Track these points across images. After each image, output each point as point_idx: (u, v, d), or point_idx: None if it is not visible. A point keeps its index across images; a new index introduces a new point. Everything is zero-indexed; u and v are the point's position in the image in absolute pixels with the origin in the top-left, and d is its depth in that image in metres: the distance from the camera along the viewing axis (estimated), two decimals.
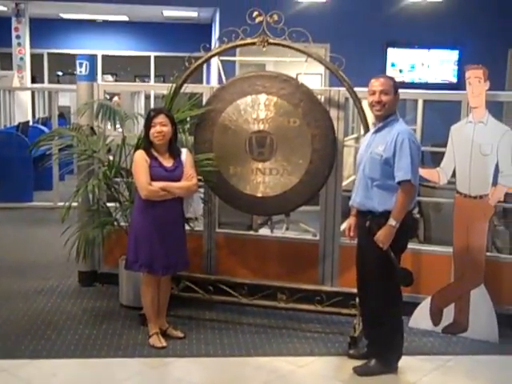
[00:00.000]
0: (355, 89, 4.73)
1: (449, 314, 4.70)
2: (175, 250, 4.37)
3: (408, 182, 3.76)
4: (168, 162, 4.32)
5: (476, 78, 4.57)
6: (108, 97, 6.29)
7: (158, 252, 4.29)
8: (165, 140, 4.27)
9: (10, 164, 9.17)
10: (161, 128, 4.24)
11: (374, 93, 3.91)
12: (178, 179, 4.31)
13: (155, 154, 4.30)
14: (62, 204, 4.86)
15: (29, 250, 6.85)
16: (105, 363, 4.16)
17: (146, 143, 4.33)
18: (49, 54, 15.15)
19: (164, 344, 4.34)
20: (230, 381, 3.98)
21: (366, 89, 4.04)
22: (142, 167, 4.25)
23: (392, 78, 4.04)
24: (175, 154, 4.37)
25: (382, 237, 3.79)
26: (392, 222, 3.76)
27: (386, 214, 3.81)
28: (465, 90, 4.67)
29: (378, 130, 3.98)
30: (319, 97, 4.98)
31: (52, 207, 8.83)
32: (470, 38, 10.09)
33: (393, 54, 10.60)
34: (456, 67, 10.48)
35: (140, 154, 4.30)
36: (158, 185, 4.22)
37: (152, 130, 4.25)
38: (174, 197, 4.29)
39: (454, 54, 10.52)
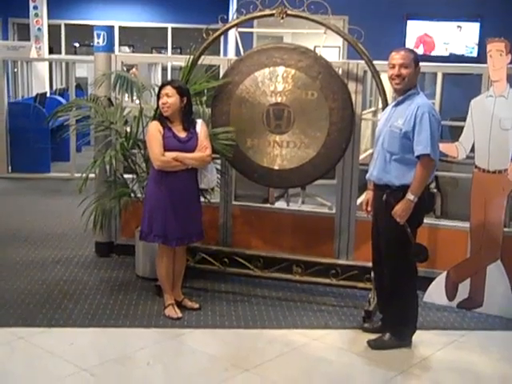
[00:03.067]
0: (374, 62, 4.67)
1: (464, 290, 4.69)
2: (189, 221, 4.38)
3: (427, 156, 3.72)
4: (182, 133, 4.31)
5: (498, 51, 4.50)
6: (125, 68, 6.26)
7: (172, 223, 4.30)
8: (170, 111, 4.26)
9: (28, 135, 9.22)
10: (166, 99, 4.24)
11: (393, 66, 3.85)
12: (192, 150, 4.30)
13: (169, 124, 4.30)
14: (78, 175, 4.88)
15: (46, 220, 6.91)
16: (121, 332, 4.21)
17: (159, 114, 4.34)
18: (66, 24, 15.07)
19: (179, 315, 4.38)
20: (244, 353, 4.00)
21: (385, 62, 3.99)
22: (155, 138, 4.25)
23: (413, 51, 3.98)
24: (190, 124, 4.36)
25: (400, 211, 3.76)
26: (410, 196, 3.74)
27: (403, 189, 3.79)
28: (485, 63, 4.60)
29: (397, 104, 3.93)
30: (337, 69, 4.93)
31: (69, 178, 8.90)
32: (491, 9, 9.91)
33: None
34: (477, 40, 10.33)
35: (154, 125, 4.31)
36: (170, 155, 4.22)
37: (159, 102, 4.27)
38: (188, 167, 4.29)
39: (475, 27, 10.35)
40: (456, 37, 10.49)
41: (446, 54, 10.53)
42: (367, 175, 4.11)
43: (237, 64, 4.93)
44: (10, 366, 3.73)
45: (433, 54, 10.47)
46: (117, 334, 4.19)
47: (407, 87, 3.86)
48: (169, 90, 4.25)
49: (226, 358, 3.92)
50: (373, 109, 7.62)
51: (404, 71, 3.82)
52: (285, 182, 5.04)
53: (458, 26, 10.45)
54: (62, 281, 5.04)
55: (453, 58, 10.19)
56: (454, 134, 5.24)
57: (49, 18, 12.90)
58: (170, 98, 4.24)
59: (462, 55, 10.38)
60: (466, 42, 10.44)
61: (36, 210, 7.37)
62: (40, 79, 12.35)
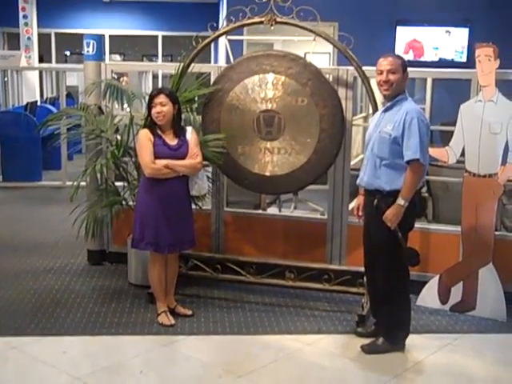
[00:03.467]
0: (364, 68, 4.69)
1: (457, 293, 4.70)
2: (181, 228, 4.38)
3: (417, 161, 3.73)
4: (172, 141, 4.32)
5: (486, 56, 4.53)
6: (116, 76, 6.27)
7: (164, 230, 4.30)
8: (165, 120, 4.27)
9: (19, 144, 9.21)
10: (160, 108, 4.24)
11: (381, 72, 3.88)
12: (183, 157, 4.31)
13: (159, 132, 4.31)
14: (70, 183, 4.88)
15: (38, 229, 6.89)
16: (114, 341, 4.20)
17: (149, 122, 4.34)
18: (56, 33, 15.07)
19: (172, 322, 4.37)
20: (238, 359, 4.00)
21: (374, 68, 4.01)
22: (145, 146, 4.25)
23: (400, 57, 4.00)
24: (180, 132, 4.37)
25: (391, 216, 3.78)
26: (401, 201, 3.75)
27: (393, 194, 3.80)
28: (474, 68, 4.63)
29: (386, 110, 3.95)
30: (327, 76, 4.95)
31: (61, 187, 8.88)
32: (479, 14, 9.98)
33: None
34: (466, 45, 10.39)
35: (144, 133, 4.31)
36: (161, 163, 4.23)
37: (153, 111, 4.27)
38: (178, 175, 4.29)
39: (463, 32, 10.41)
40: (445, 42, 10.55)
41: (436, 59, 10.58)
42: (358, 180, 4.12)
43: (227, 71, 4.94)
44: (2, 376, 3.71)
45: (422, 59, 10.52)
46: (110, 342, 4.18)
47: (395, 93, 3.88)
48: (162, 98, 4.25)
49: (219, 364, 3.91)
50: (363, 114, 7.66)
51: (392, 77, 3.84)
52: (276, 188, 5.05)
53: (447, 31, 10.51)
54: (55, 289, 5.03)
55: (442, 63, 10.25)
56: (445, 138, 5.27)
57: (39, 26, 12.90)
58: (165, 106, 4.24)
59: (452, 60, 10.44)
60: (455, 47, 10.50)
61: (28, 219, 7.35)
62: (30, 88, 12.36)
